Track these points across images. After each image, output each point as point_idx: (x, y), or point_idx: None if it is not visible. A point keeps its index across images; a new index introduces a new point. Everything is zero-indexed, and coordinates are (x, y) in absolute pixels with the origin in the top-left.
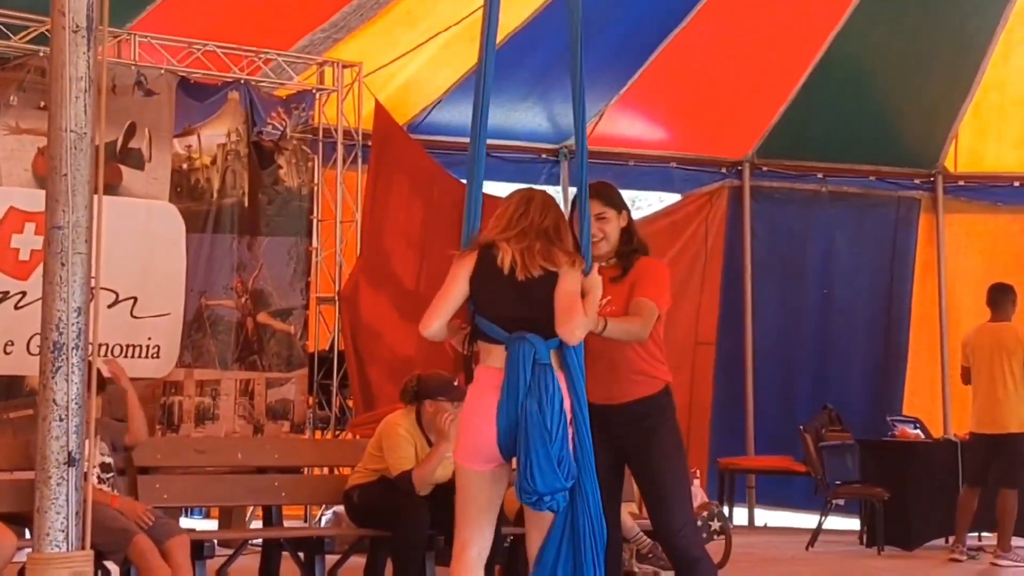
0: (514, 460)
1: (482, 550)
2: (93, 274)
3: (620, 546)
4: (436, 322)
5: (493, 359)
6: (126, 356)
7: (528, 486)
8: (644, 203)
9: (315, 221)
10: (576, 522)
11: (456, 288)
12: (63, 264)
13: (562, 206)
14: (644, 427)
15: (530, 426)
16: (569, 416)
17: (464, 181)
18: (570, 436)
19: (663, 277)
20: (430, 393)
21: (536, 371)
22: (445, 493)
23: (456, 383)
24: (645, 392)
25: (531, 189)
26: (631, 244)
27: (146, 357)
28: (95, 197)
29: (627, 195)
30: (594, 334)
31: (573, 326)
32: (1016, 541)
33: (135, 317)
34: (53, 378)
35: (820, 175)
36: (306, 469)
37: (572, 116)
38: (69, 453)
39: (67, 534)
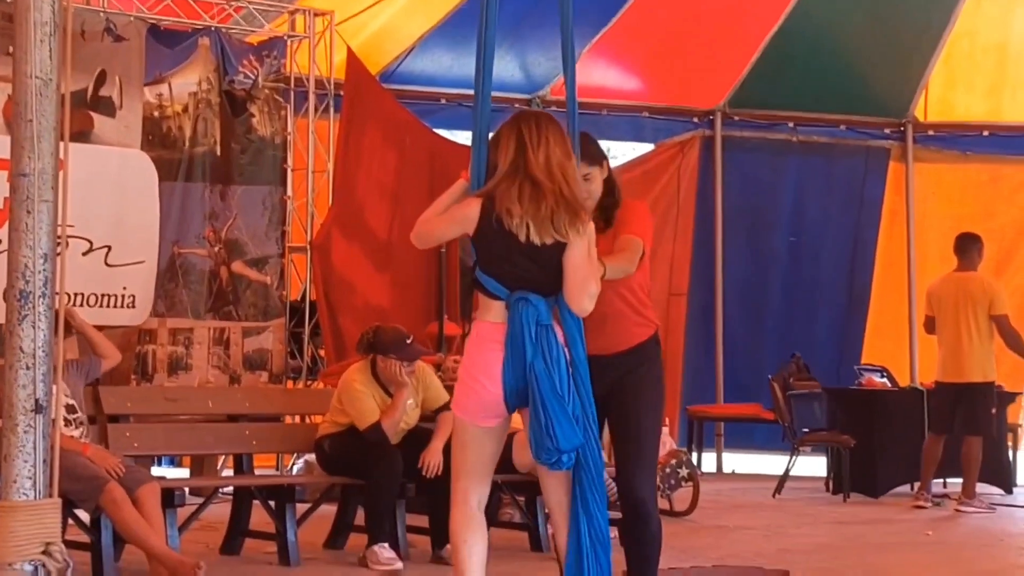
0: (516, 416)
1: (482, 499)
2: (60, 222)
3: None
4: (419, 243)
5: (493, 314)
6: (101, 305)
7: (551, 444)
8: (618, 152)
9: (288, 170)
10: (582, 477)
11: (450, 231)
12: (29, 212)
13: None
14: (632, 376)
15: (542, 387)
16: (569, 371)
17: (437, 130)
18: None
19: (645, 216)
20: (383, 349)
21: (539, 332)
22: (414, 440)
23: (410, 340)
24: (637, 340)
25: (533, 116)
26: (613, 195)
27: (121, 306)
28: (62, 144)
29: (601, 145)
30: None
31: (587, 300)
32: (980, 488)
33: (109, 265)
34: (20, 326)
35: (791, 124)
36: (278, 418)
37: (545, 67)
38: (36, 400)
39: (35, 482)
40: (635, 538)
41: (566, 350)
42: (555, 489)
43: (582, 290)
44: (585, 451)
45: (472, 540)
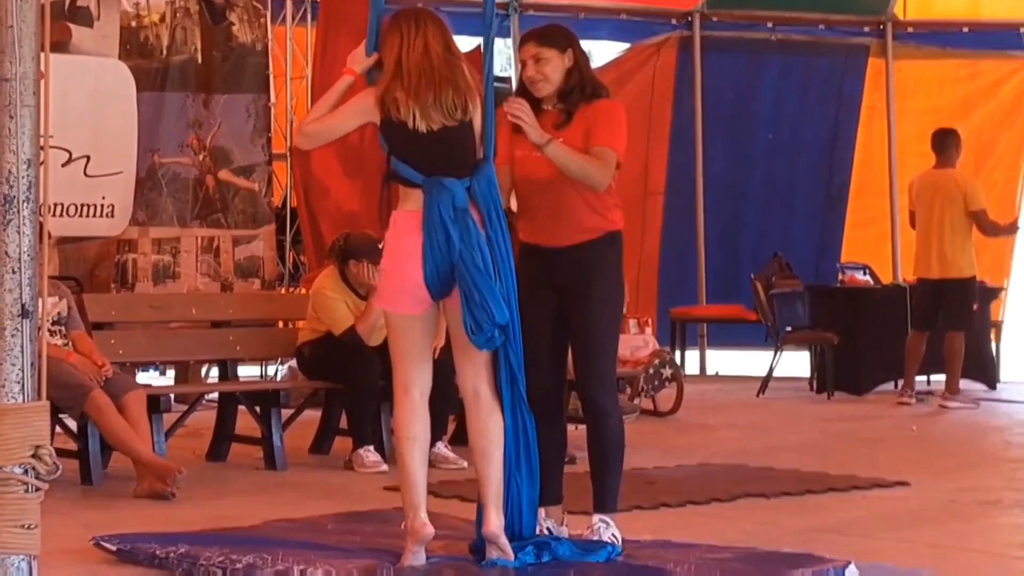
0: (444, 302)
1: (424, 390)
2: (43, 132)
3: (563, 391)
4: (311, 143)
5: (412, 202)
6: (81, 215)
7: (488, 320)
8: (596, 54)
9: (271, 77)
10: (508, 360)
11: (349, 123)
12: (11, 117)
13: (513, 59)
14: (583, 272)
15: (468, 269)
16: (491, 252)
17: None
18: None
19: (619, 121)
20: (355, 253)
21: (457, 215)
22: None
23: (382, 244)
24: (589, 236)
25: (412, 13)
26: (578, 89)
27: (100, 216)
28: (43, 56)
29: (574, 38)
30: (541, 174)
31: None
32: (964, 384)
33: (88, 176)
34: (5, 231)
35: (770, 24)
36: (262, 323)
37: None
38: (23, 305)
39: (23, 385)
40: (595, 439)
41: (483, 231)
42: (472, 372)
43: None
44: (509, 330)
45: (415, 432)
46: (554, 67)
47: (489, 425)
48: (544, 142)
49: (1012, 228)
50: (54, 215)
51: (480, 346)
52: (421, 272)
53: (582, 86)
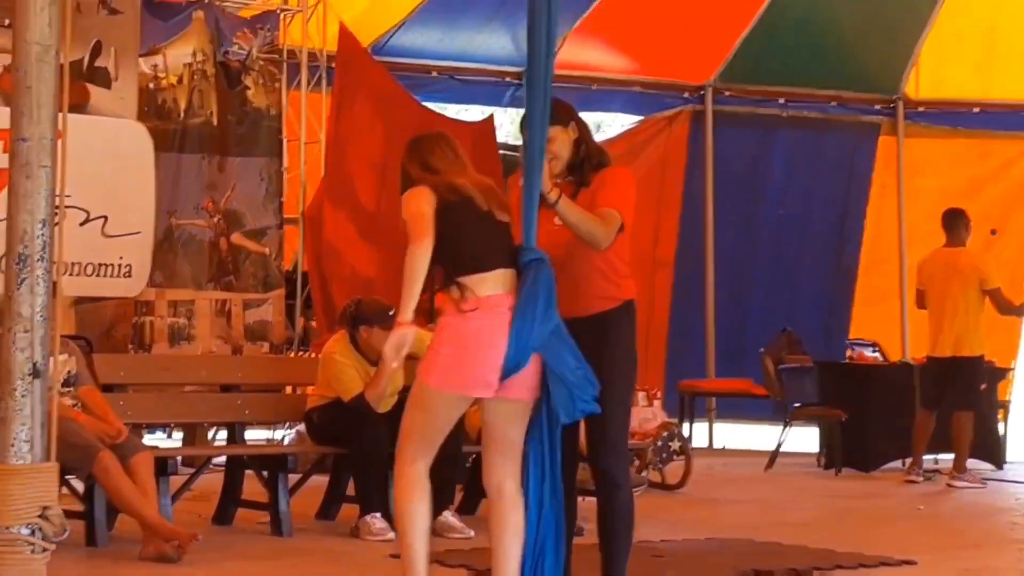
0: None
1: (428, 463)
2: (59, 192)
3: (576, 461)
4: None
5: (488, 287)
6: (98, 275)
7: (591, 393)
8: (607, 127)
9: (283, 141)
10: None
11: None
12: (28, 177)
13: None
14: (599, 343)
15: (568, 342)
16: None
17: (427, 103)
18: None
19: (625, 186)
20: (366, 320)
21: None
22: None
23: (393, 312)
24: (602, 307)
25: (442, 134)
26: (579, 155)
27: (117, 276)
28: (60, 115)
29: (591, 118)
30: (557, 246)
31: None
32: (971, 463)
33: (106, 236)
34: (18, 290)
35: (782, 100)
36: (272, 387)
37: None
38: (34, 364)
39: (32, 445)
40: (605, 510)
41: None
42: (499, 469)
43: None
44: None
45: (418, 505)
46: (561, 143)
47: (509, 521)
48: (555, 199)
49: None
50: (71, 275)
51: (576, 417)
52: (503, 354)
53: (588, 156)
